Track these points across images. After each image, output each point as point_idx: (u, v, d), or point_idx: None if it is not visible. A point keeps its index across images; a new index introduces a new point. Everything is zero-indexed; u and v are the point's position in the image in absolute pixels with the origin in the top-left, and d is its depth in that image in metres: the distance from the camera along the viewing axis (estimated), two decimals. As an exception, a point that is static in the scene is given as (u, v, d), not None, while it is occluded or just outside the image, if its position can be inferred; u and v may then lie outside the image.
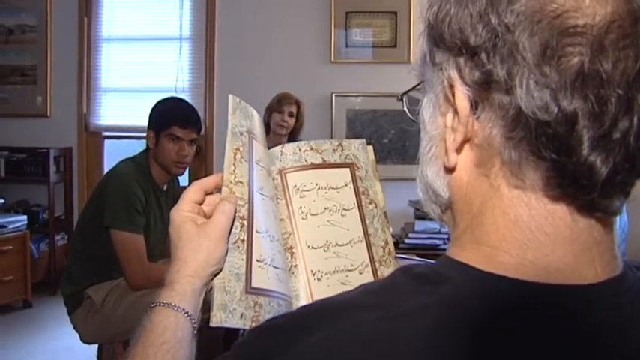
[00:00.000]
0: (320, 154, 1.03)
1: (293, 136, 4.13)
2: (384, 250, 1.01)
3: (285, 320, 0.58)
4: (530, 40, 0.50)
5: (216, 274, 0.85)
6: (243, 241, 0.88)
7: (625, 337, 0.53)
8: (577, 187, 0.52)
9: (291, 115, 4.03)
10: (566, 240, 0.54)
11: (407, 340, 0.51)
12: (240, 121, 0.94)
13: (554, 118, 0.50)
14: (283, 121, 4.00)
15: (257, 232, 0.90)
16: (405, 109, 0.72)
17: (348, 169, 1.03)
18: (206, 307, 0.86)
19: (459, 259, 0.57)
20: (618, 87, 0.50)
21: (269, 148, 1.03)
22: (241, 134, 0.93)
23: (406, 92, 0.72)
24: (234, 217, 0.86)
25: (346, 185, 1.02)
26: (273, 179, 1.00)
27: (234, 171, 0.89)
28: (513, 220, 0.55)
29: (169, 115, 2.64)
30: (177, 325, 0.80)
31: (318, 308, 0.57)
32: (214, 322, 0.81)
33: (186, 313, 0.82)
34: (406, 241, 4.12)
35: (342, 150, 1.05)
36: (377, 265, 1.00)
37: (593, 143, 0.50)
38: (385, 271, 0.99)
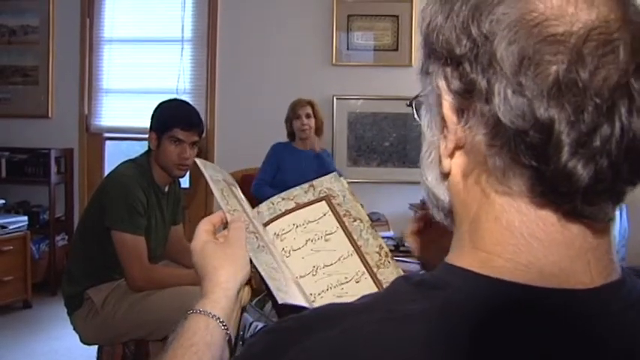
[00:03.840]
0: (292, 200, 1.10)
1: (317, 136, 4.26)
2: (379, 255, 1.05)
3: (291, 322, 0.59)
4: (507, 49, 0.51)
5: (246, 281, 0.93)
6: (264, 246, 0.97)
7: (622, 343, 0.54)
8: (557, 195, 0.52)
9: (308, 116, 4.19)
10: (560, 246, 0.55)
11: (407, 342, 0.52)
12: (213, 172, 1.06)
13: (531, 126, 0.50)
14: (304, 125, 4.17)
15: (267, 242, 1.00)
16: (415, 115, 0.74)
17: (323, 202, 1.10)
18: None
19: (457, 264, 0.58)
20: (596, 95, 0.49)
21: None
22: (219, 180, 1.05)
23: (415, 97, 0.74)
24: (246, 232, 0.96)
25: (324, 215, 1.08)
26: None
27: (228, 202, 1.00)
28: (505, 225, 0.56)
29: (171, 117, 2.64)
30: (207, 330, 0.85)
31: (322, 311, 0.59)
32: (280, 300, 0.89)
33: (218, 319, 0.86)
34: (406, 244, 4.10)
35: (313, 189, 1.11)
36: (375, 269, 1.03)
37: (571, 150, 0.50)
38: (385, 273, 1.03)
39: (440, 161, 0.60)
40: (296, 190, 1.10)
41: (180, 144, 2.62)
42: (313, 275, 1.02)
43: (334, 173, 1.15)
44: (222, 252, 0.92)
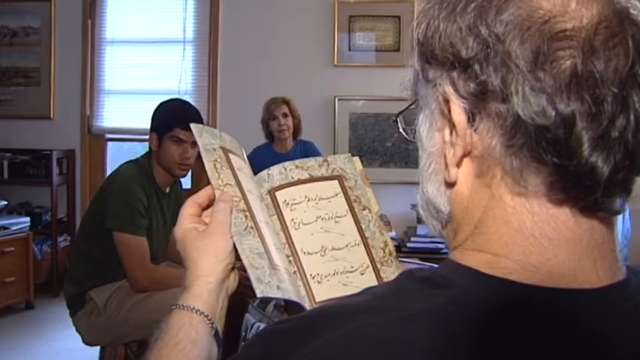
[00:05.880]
0: (306, 170, 1.05)
1: (296, 136, 4.16)
2: (384, 252, 1.02)
3: (294, 323, 0.58)
4: (521, 47, 0.51)
5: (230, 269, 0.88)
6: (252, 227, 0.91)
7: (629, 343, 0.54)
8: (580, 189, 0.53)
9: (285, 115, 4.05)
10: (569, 243, 0.55)
11: (412, 342, 0.51)
12: (209, 140, 0.98)
13: (552, 122, 0.51)
14: (281, 126, 4.03)
15: (260, 221, 0.94)
16: (401, 130, 0.73)
17: (336, 181, 1.05)
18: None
19: (462, 262, 0.57)
20: (612, 85, 0.50)
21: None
22: (214, 149, 0.97)
23: (400, 113, 0.73)
24: (233, 211, 0.89)
25: (336, 195, 1.04)
26: (263, 200, 1.02)
27: (219, 176, 0.93)
28: (516, 227, 0.55)
29: (172, 117, 2.64)
30: (192, 326, 0.82)
31: (326, 312, 0.58)
32: (258, 294, 0.84)
33: (202, 313, 0.83)
34: (408, 244, 4.11)
35: (327, 165, 1.07)
36: (378, 265, 1.00)
37: (593, 143, 0.51)
38: (387, 271, 1.00)
39: (445, 170, 0.59)
40: (310, 162, 1.06)
41: (181, 144, 2.62)
42: (322, 255, 0.98)
43: (348, 153, 1.11)
44: (201, 242, 0.86)
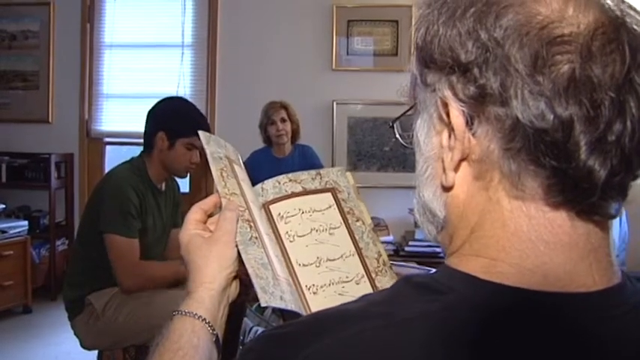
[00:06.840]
0: (299, 183, 1.07)
1: (295, 140, 4.15)
2: (378, 262, 1.03)
3: (291, 329, 0.58)
4: (520, 51, 0.52)
5: (232, 278, 0.89)
6: (256, 238, 0.93)
7: (625, 347, 0.54)
8: (578, 192, 0.53)
9: (283, 120, 4.06)
10: (565, 247, 0.55)
11: (409, 346, 0.52)
12: (215, 148, 1.01)
13: (551, 126, 0.51)
14: (279, 131, 4.04)
15: (262, 232, 0.96)
16: (398, 136, 0.74)
17: (329, 193, 1.07)
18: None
19: (458, 268, 0.58)
20: (610, 90, 0.51)
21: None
22: (220, 158, 1.00)
23: (397, 119, 0.74)
24: (239, 221, 0.91)
25: (330, 207, 1.06)
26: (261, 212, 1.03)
27: (225, 185, 0.95)
28: (513, 231, 0.56)
29: (194, 125, 2.62)
30: (193, 332, 0.83)
31: (322, 318, 0.58)
32: (263, 303, 0.86)
33: (204, 320, 0.84)
34: (406, 248, 4.12)
35: (320, 178, 1.08)
36: (373, 275, 1.02)
37: (590, 147, 0.51)
38: (382, 281, 1.01)
39: (442, 174, 0.60)
40: (303, 175, 1.08)
41: (193, 149, 2.65)
42: (317, 267, 0.99)
43: (341, 167, 1.13)
44: (207, 249, 0.88)
